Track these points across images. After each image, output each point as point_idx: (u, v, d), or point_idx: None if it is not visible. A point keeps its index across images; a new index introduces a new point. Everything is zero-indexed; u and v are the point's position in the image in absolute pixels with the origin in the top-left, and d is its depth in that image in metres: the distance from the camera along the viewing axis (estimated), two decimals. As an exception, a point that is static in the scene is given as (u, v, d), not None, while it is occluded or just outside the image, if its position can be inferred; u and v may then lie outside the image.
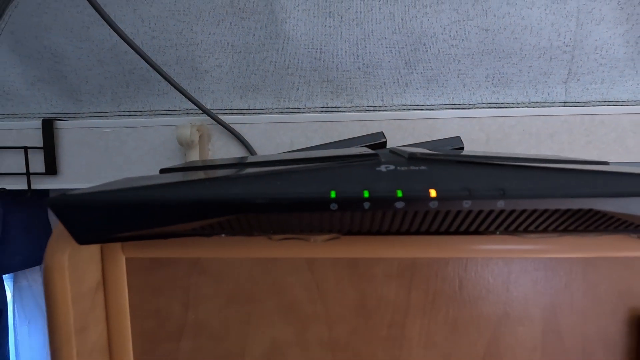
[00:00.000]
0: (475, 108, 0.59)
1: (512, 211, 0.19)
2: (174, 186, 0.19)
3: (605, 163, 0.29)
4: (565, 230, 0.21)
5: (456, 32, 0.56)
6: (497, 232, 0.22)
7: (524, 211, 0.19)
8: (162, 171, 0.28)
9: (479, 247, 0.23)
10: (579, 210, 0.19)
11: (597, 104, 0.58)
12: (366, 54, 0.57)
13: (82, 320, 0.22)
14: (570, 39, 0.56)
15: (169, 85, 0.54)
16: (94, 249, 0.23)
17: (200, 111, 0.56)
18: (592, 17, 0.55)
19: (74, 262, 0.22)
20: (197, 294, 0.24)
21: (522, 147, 0.55)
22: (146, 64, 0.52)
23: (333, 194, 0.19)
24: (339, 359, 0.23)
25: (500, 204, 0.18)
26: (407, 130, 0.56)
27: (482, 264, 0.23)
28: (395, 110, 0.59)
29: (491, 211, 0.19)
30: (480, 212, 0.19)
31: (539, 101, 0.59)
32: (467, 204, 0.18)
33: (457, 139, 0.41)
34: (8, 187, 0.59)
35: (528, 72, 0.58)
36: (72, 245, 0.21)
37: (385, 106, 0.60)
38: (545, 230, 0.21)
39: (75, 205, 0.19)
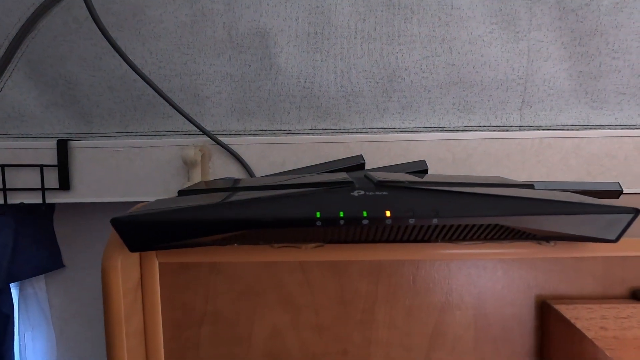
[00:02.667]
0: (444, 131, 0.68)
1: (444, 226, 0.27)
2: (204, 209, 0.26)
3: (530, 185, 0.37)
4: (487, 239, 0.29)
5: (426, 66, 0.65)
6: (439, 241, 0.31)
7: (452, 225, 0.27)
8: (181, 193, 0.36)
9: (427, 251, 0.30)
10: (489, 224, 0.27)
11: (547, 127, 0.68)
12: (349, 84, 0.66)
13: (128, 310, 0.29)
14: (523, 72, 0.65)
15: (174, 109, 0.61)
16: (135, 256, 0.30)
17: (201, 132, 0.63)
18: (540, 55, 0.65)
19: (124, 265, 0.28)
20: (215, 290, 0.31)
21: (482, 165, 0.64)
22: (153, 90, 0.59)
23: (318, 214, 0.26)
24: (325, 338, 0.31)
25: (435, 221, 0.26)
26: (384, 150, 0.64)
27: (429, 264, 0.31)
28: (374, 132, 0.67)
29: (429, 226, 0.27)
30: (422, 226, 0.27)
31: (498, 125, 0.68)
32: (411, 221, 0.26)
33: (422, 162, 0.50)
34: (25, 202, 0.64)
35: (488, 101, 0.67)
36: (124, 252, 0.28)
37: (366, 129, 0.68)
38: (472, 239, 0.29)
39: (132, 222, 0.26)
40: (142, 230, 0.26)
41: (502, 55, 0.65)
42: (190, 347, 0.31)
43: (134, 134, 0.68)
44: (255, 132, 0.68)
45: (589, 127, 0.67)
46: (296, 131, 0.68)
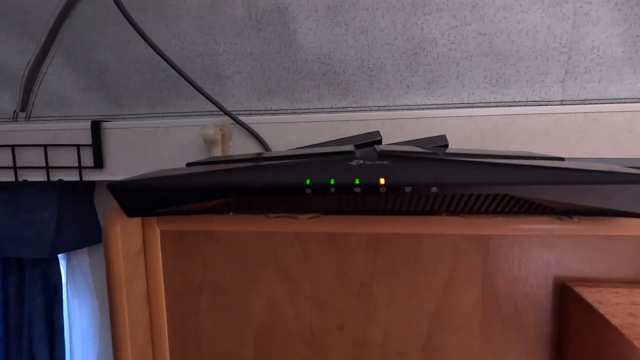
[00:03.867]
0: (474, 107, 0.63)
1: (446, 196, 0.25)
2: (193, 176, 0.26)
3: (561, 159, 0.33)
4: (497, 212, 0.26)
5: (454, 36, 0.60)
6: (444, 214, 0.28)
7: (454, 195, 0.25)
8: (188, 164, 0.36)
9: (429, 224, 0.28)
10: (497, 195, 0.24)
11: (595, 101, 0.60)
12: (371, 59, 0.63)
13: (130, 274, 0.30)
14: (567, 40, 0.59)
15: (196, 90, 0.62)
16: (137, 223, 0.31)
17: (223, 112, 0.64)
18: (588, 19, 0.58)
19: (124, 230, 0.29)
20: (213, 259, 0.31)
21: (515, 143, 0.59)
22: (176, 72, 0.60)
23: (308, 181, 0.25)
24: (321, 311, 0.30)
25: (434, 189, 0.24)
26: (406, 128, 0.61)
27: (433, 238, 0.28)
28: (396, 109, 0.64)
29: (428, 196, 0.25)
30: (421, 196, 0.25)
31: (536, 99, 0.62)
32: (408, 189, 0.24)
33: (443, 137, 0.46)
34: (65, 179, 0.69)
35: (525, 73, 0.61)
36: (123, 218, 0.29)
37: (389, 106, 0.65)
38: (481, 212, 0.27)
39: (125, 188, 0.26)
40: (137, 195, 0.27)
41: (542, 21, 0.58)
42: (190, 313, 0.32)
43: (160, 114, 0.71)
44: (275, 112, 0.68)
45: (646, 100, 0.59)
46: (316, 110, 0.67)
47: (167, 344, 0.32)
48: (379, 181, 0.24)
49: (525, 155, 0.34)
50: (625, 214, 0.24)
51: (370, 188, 0.24)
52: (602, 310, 0.25)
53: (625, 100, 0.60)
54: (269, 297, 0.30)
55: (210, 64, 0.67)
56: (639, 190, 0.23)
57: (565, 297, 0.27)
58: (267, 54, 0.65)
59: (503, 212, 0.26)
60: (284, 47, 0.64)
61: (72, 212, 0.77)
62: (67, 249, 0.79)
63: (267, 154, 0.39)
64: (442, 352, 0.29)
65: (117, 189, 0.27)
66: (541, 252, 0.27)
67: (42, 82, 0.72)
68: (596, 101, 0.60)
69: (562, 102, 0.61)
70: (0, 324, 0.85)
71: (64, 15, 0.68)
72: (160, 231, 0.31)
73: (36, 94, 0.73)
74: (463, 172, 0.24)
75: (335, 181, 0.25)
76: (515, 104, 0.62)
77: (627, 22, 0.57)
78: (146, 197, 0.27)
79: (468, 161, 0.26)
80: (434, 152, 0.32)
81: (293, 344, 0.31)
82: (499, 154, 0.33)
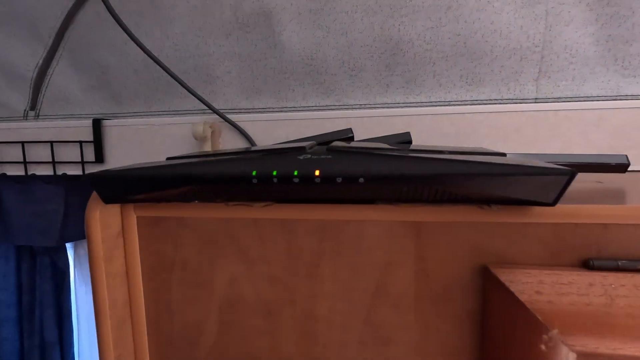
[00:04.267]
0: (450, 105, 0.65)
1: (376, 186, 0.28)
2: (157, 167, 0.30)
3: (502, 154, 0.36)
4: (427, 201, 0.30)
5: (430, 37, 0.63)
6: (378, 202, 0.32)
7: (383, 186, 0.28)
8: (168, 159, 0.40)
9: (369, 212, 0.32)
10: (417, 185, 0.27)
11: (569, 99, 0.62)
12: (351, 59, 0.66)
13: (109, 253, 0.34)
14: (540, 39, 0.61)
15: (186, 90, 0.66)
16: (116, 209, 0.35)
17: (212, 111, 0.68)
18: (560, 19, 0.60)
19: (103, 216, 0.34)
20: (182, 241, 0.35)
21: (489, 140, 0.61)
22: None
23: (254, 173, 0.29)
24: (276, 288, 0.34)
25: (361, 180, 0.28)
26: (385, 125, 0.64)
27: (372, 224, 0.32)
28: (377, 107, 0.67)
29: (358, 185, 0.28)
30: (351, 185, 0.28)
31: (511, 97, 0.64)
32: (339, 180, 0.28)
33: (407, 134, 0.49)
34: (69, 173, 0.75)
35: (500, 72, 0.63)
36: (102, 205, 0.33)
37: (370, 104, 0.68)
38: (411, 201, 0.30)
39: (100, 177, 0.31)
40: (111, 184, 0.31)
41: (515, 21, 0.60)
42: (164, 289, 0.36)
43: (157, 113, 0.75)
44: (262, 110, 0.72)
45: (619, 97, 0.61)
46: (301, 108, 0.70)
47: (144, 316, 0.36)
48: (314, 172, 0.28)
49: (469, 151, 0.37)
50: (537, 203, 0.27)
51: (307, 179, 0.28)
52: (513, 288, 0.28)
53: (597, 98, 0.62)
54: (230, 275, 0.34)
55: (201, 64, 0.71)
56: (546, 181, 0.26)
57: (486, 277, 0.30)
58: (254, 55, 0.69)
59: (431, 201, 0.30)
60: (269, 49, 0.68)
61: (78, 203, 0.83)
62: (73, 238, 0.85)
63: (238, 149, 0.43)
64: (382, 326, 0.33)
65: (94, 178, 0.31)
66: (466, 237, 0.31)
67: (49, 82, 0.78)
68: (569, 99, 0.62)
69: (536, 100, 0.63)
70: (14, 307, 0.92)
71: (69, 19, 0.73)
72: (137, 217, 0.35)
73: (44, 93, 0.79)
74: (389, 165, 0.28)
75: (277, 172, 0.28)
76: (490, 102, 0.65)
77: (598, 21, 0.59)
78: (117, 185, 0.31)
79: (397, 155, 0.29)
80: (379, 148, 0.35)
81: (252, 316, 0.35)
82: (443, 149, 0.36)
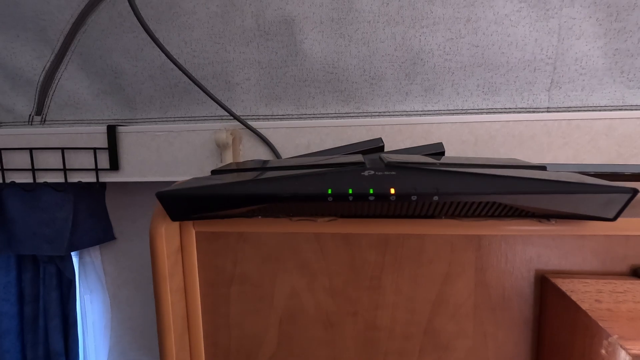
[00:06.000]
0: (467, 114, 0.68)
1: (445, 202, 0.30)
2: (230, 186, 0.31)
3: (542, 167, 0.38)
4: (488, 215, 0.31)
5: (450, 48, 0.65)
6: (443, 217, 0.33)
7: (452, 202, 0.29)
8: (214, 172, 0.40)
9: (431, 227, 0.33)
10: (487, 202, 0.29)
11: (578, 109, 0.66)
12: (372, 68, 0.67)
13: (171, 269, 0.34)
14: (553, 52, 0.64)
15: (207, 96, 0.66)
16: (175, 225, 0.35)
17: (232, 117, 0.68)
18: (572, 33, 0.63)
19: (167, 232, 0.34)
20: (242, 256, 0.36)
21: (505, 148, 0.64)
22: (188, 78, 0.64)
23: (330, 191, 0.30)
24: (336, 300, 0.35)
25: (435, 198, 0.29)
26: (405, 133, 0.66)
27: (433, 238, 0.33)
28: (397, 115, 0.69)
29: (431, 203, 0.29)
30: (424, 203, 0.30)
31: (524, 106, 0.67)
32: (414, 198, 0.29)
33: (440, 144, 0.51)
34: (83, 181, 0.73)
35: (515, 82, 0.66)
36: (167, 221, 0.33)
37: (389, 112, 0.70)
38: (474, 215, 0.32)
39: (172, 196, 0.31)
40: (182, 202, 0.31)
41: (530, 34, 0.63)
42: (222, 303, 0.36)
43: (172, 119, 0.75)
44: (282, 117, 0.72)
45: (624, 107, 0.65)
46: (321, 115, 0.71)
47: (201, 330, 0.37)
48: (389, 191, 0.29)
49: (512, 164, 0.39)
50: (593, 218, 0.29)
51: (382, 197, 0.29)
52: (574, 297, 0.30)
53: (605, 108, 0.65)
54: (291, 288, 0.35)
55: (220, 71, 0.71)
56: (604, 199, 0.28)
57: (544, 287, 0.32)
58: (275, 63, 0.69)
59: (493, 216, 0.31)
60: (290, 56, 0.68)
61: (86, 211, 0.81)
62: (81, 246, 0.83)
63: (284, 163, 0.44)
64: (441, 334, 0.34)
65: (164, 196, 0.31)
66: (524, 249, 0.32)
67: (57, 86, 0.76)
68: (579, 108, 0.66)
69: (548, 110, 0.66)
70: (15, 318, 0.89)
71: (79, 23, 0.71)
72: (195, 232, 0.36)
73: (51, 98, 0.76)
74: (460, 182, 0.29)
75: (352, 191, 0.29)
76: (505, 110, 0.67)
77: (607, 36, 0.62)
78: (190, 204, 0.31)
79: (464, 172, 0.31)
80: (433, 162, 0.37)
81: (312, 328, 0.35)
82: (490, 163, 0.38)
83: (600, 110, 0.65)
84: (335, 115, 0.71)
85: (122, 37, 0.70)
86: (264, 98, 0.72)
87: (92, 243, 0.86)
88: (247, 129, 0.68)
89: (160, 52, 0.63)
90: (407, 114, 0.69)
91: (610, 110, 0.64)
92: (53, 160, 0.74)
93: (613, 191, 0.28)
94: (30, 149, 0.73)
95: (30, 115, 0.78)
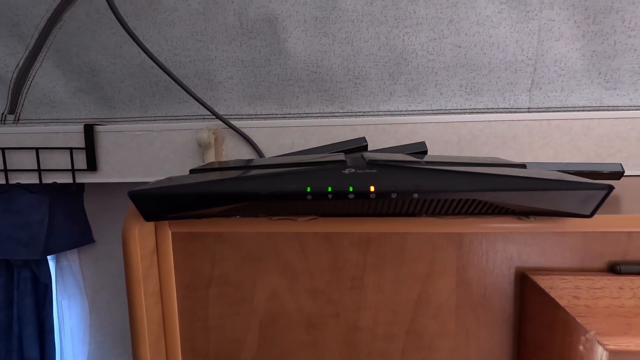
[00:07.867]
0: (450, 113, 0.68)
1: (425, 200, 0.29)
2: (206, 184, 0.30)
3: (522, 165, 0.38)
4: (468, 213, 0.31)
5: (433, 48, 0.65)
6: (424, 215, 0.33)
7: (432, 200, 0.29)
8: (192, 171, 0.39)
9: (412, 225, 0.33)
10: (467, 200, 0.29)
11: (557, 109, 0.67)
12: (356, 68, 0.67)
13: (145, 272, 0.33)
14: (533, 53, 0.65)
15: (189, 95, 0.65)
16: (150, 226, 0.34)
17: (215, 117, 0.67)
18: (551, 34, 0.64)
19: (141, 233, 0.32)
20: (220, 257, 0.35)
21: (488, 147, 0.65)
22: (169, 77, 0.63)
23: (309, 189, 0.29)
24: (318, 301, 0.34)
25: (415, 196, 0.29)
26: (390, 132, 0.66)
27: (415, 237, 0.33)
28: (381, 115, 0.69)
29: (411, 200, 0.29)
30: (404, 201, 0.29)
31: (506, 107, 0.68)
32: (394, 195, 0.29)
33: (422, 143, 0.51)
34: (58, 182, 0.70)
35: (496, 82, 0.67)
36: (141, 222, 0.32)
37: (373, 112, 0.70)
38: (455, 213, 0.32)
39: (145, 195, 0.30)
40: (155, 202, 0.30)
41: (511, 35, 0.64)
42: (200, 306, 0.35)
43: (153, 118, 0.73)
44: (265, 116, 0.71)
45: (602, 108, 0.66)
46: (305, 114, 0.71)
47: (178, 335, 0.35)
48: (369, 188, 0.29)
49: (493, 162, 0.39)
50: (570, 215, 0.30)
51: (362, 194, 0.29)
52: (552, 294, 0.30)
53: (583, 109, 0.67)
54: (272, 290, 0.34)
55: (202, 70, 0.69)
56: (582, 195, 0.28)
57: (524, 284, 0.32)
58: (258, 61, 0.68)
59: (473, 214, 0.31)
60: (274, 55, 0.68)
61: (63, 213, 0.78)
62: (58, 250, 0.80)
63: (265, 161, 0.43)
64: (424, 334, 0.34)
65: (136, 196, 0.30)
66: (504, 246, 0.32)
67: (31, 84, 0.73)
68: (559, 109, 0.67)
69: (529, 110, 0.67)
70: (-13, 325, 0.85)
71: (55, 18, 0.69)
72: (172, 233, 0.34)
73: (25, 96, 0.74)
74: (441, 180, 0.29)
75: (332, 189, 0.29)
76: (487, 110, 0.68)
77: (585, 38, 0.64)
78: (164, 204, 0.30)
79: (444, 170, 0.30)
80: (414, 160, 0.36)
81: (294, 330, 0.35)
82: (471, 161, 0.38)
83: (578, 110, 0.66)
84: (320, 114, 0.70)
85: (99, 33, 0.68)
86: (247, 97, 0.71)
87: (70, 246, 0.83)
88: (230, 129, 0.67)
89: (140, 49, 0.61)
90: (391, 113, 0.69)
91: (589, 110, 0.66)
92: (27, 160, 0.71)
93: (589, 188, 0.28)
94: (3, 149, 0.70)
95: (2, 114, 0.75)
